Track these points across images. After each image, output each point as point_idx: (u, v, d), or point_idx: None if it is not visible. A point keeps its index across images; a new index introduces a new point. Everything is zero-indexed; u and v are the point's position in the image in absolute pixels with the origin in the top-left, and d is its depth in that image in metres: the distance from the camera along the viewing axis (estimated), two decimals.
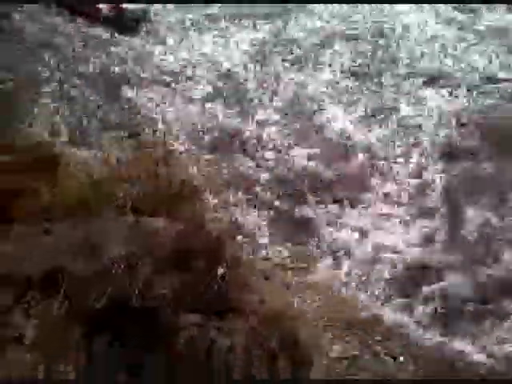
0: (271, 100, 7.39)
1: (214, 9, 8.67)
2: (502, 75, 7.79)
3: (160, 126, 6.73)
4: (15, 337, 3.81)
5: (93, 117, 6.84)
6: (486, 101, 7.34)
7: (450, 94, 7.56)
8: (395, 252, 5.79)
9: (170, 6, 8.60)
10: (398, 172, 6.58)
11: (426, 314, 5.32)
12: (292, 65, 7.88)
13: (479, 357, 4.98)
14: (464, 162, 6.63)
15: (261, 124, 7.08)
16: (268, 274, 5.29)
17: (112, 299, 4.07)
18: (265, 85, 7.53)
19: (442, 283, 5.51)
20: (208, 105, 7.27)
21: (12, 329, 3.84)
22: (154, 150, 5.52)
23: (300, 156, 6.63)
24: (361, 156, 6.74)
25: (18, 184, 5.01)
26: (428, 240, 5.91)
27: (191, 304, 4.56)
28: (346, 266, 5.68)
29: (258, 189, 6.27)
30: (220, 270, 4.89)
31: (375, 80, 7.72)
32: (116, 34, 7.85)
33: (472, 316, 5.29)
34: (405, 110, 7.32)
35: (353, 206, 6.21)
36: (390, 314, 5.28)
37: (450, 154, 6.79)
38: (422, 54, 8.17)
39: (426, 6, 8.88)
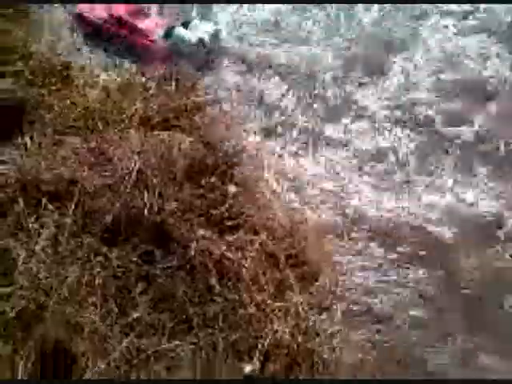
0: None
1: None
2: None
3: None
4: (27, 249, 3.86)
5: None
6: None
7: None
8: None
9: None
10: None
11: None
12: None
13: None
14: None
15: None
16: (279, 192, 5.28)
17: (125, 212, 4.09)
18: None
19: None
20: None
21: (26, 238, 3.90)
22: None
23: None
24: None
25: (33, 97, 4.98)
26: None
27: (203, 219, 4.61)
28: None
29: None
30: (231, 188, 4.91)
31: None
32: None
33: None
34: None
35: None
36: None
37: None
38: None
39: None
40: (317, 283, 4.66)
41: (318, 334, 4.38)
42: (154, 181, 4.31)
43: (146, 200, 4.18)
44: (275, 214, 5.02)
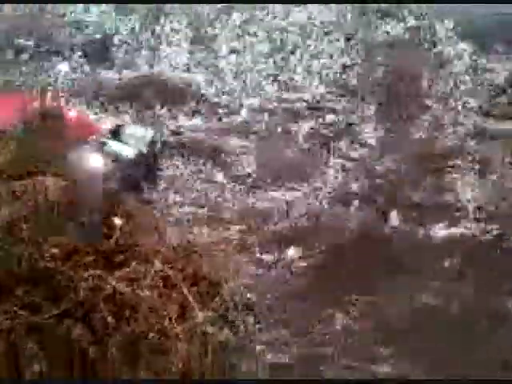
0: None
1: None
2: None
3: None
4: None
5: None
6: None
7: None
8: None
9: None
10: None
11: None
12: None
13: None
14: None
15: None
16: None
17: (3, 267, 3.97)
18: None
19: None
20: None
21: None
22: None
23: None
24: None
25: None
26: None
27: (91, 258, 4.52)
28: None
29: None
30: (116, 220, 4.84)
31: None
32: None
33: None
34: None
35: None
36: None
37: None
38: None
39: None
40: (217, 298, 4.65)
41: (226, 348, 4.37)
42: (28, 231, 4.20)
43: (22, 252, 4.06)
44: (166, 238, 5.00)
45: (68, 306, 4.04)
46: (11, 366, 3.71)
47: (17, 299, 3.94)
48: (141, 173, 5.63)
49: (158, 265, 4.63)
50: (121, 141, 5.79)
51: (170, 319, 4.37)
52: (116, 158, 5.39)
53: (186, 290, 4.57)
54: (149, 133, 6.10)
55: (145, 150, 5.79)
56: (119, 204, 4.98)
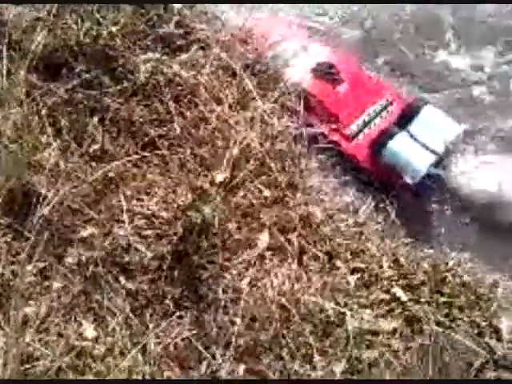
0: None
1: None
2: None
3: None
4: None
5: None
6: None
7: None
8: None
9: None
10: None
11: None
12: None
13: None
14: None
15: None
16: None
17: (59, 41, 3.85)
18: None
19: None
20: None
21: None
22: None
23: None
24: None
25: None
26: None
27: (149, 41, 4.39)
28: None
29: None
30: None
31: None
32: None
33: None
34: None
35: None
36: None
37: None
38: None
39: None
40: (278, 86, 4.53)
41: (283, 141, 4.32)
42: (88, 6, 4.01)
43: (79, 28, 3.92)
44: (226, 26, 4.79)
45: (129, 87, 3.98)
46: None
47: (77, 76, 3.89)
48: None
49: (216, 50, 4.49)
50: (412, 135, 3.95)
51: (230, 106, 4.31)
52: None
53: (246, 79, 4.45)
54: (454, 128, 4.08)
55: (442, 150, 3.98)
56: None
